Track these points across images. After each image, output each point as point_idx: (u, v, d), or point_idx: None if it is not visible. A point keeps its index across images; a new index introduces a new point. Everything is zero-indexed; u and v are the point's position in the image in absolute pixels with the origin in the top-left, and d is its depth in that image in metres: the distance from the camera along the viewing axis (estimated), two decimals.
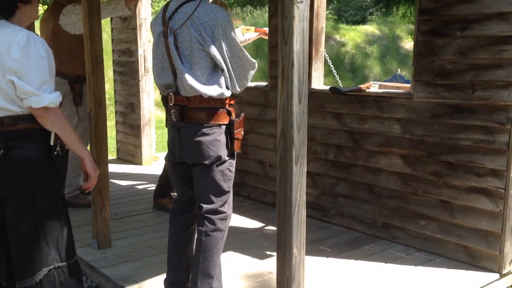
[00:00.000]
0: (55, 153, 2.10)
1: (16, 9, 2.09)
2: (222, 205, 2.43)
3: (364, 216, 3.59)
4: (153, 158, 5.85)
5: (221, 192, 2.42)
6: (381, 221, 3.49)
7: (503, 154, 2.84)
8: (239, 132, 2.42)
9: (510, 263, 2.95)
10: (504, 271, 2.93)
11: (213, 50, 2.25)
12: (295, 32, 1.88)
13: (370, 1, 18.16)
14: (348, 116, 3.62)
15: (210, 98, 2.31)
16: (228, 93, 2.36)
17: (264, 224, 3.82)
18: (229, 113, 2.38)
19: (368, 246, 3.36)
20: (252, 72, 2.40)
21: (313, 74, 3.85)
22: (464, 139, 3.00)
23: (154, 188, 4.35)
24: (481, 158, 2.94)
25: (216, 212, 2.40)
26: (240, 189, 4.59)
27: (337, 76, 4.25)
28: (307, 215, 2.16)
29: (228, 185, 2.44)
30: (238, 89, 2.40)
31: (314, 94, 3.81)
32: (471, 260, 3.03)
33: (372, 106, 3.45)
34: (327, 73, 8.16)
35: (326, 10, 4.06)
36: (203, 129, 2.33)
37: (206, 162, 2.35)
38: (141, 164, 5.71)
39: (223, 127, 2.37)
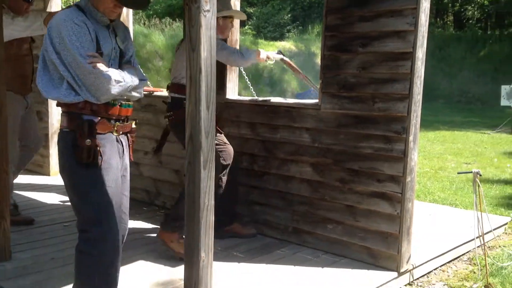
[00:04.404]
0: None
1: None
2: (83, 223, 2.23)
3: (276, 222, 3.70)
4: None
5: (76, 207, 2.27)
6: (292, 226, 3.62)
7: (400, 161, 3.09)
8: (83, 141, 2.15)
9: (407, 262, 3.19)
10: (402, 270, 3.16)
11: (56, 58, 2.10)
12: (203, 40, 1.93)
13: (288, 19, 18.87)
14: (261, 125, 3.73)
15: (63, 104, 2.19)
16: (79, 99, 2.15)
17: None
18: (78, 118, 2.16)
19: (279, 250, 3.47)
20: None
21: (228, 84, 3.93)
22: (366, 147, 3.22)
23: (60, 199, 4.13)
24: (381, 165, 3.17)
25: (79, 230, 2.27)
26: (155, 198, 4.52)
27: (252, 89, 4.36)
28: None
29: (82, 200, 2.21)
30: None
31: (228, 104, 3.89)
32: (373, 260, 3.23)
33: (284, 116, 3.59)
34: (246, 86, 8.34)
35: (246, 25, 4.13)
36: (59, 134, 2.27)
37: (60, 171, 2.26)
38: (48, 174, 5.45)
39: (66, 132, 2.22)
